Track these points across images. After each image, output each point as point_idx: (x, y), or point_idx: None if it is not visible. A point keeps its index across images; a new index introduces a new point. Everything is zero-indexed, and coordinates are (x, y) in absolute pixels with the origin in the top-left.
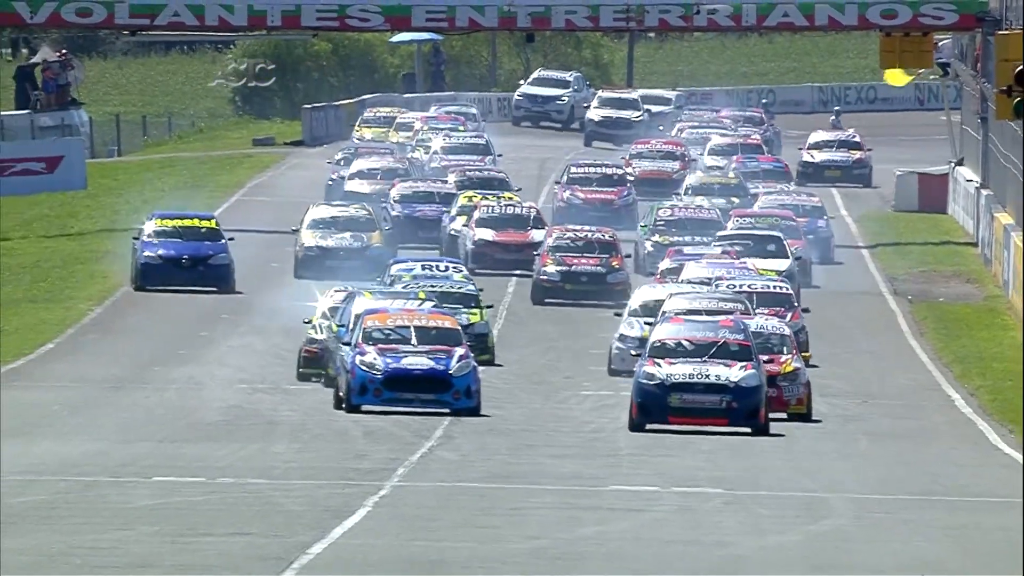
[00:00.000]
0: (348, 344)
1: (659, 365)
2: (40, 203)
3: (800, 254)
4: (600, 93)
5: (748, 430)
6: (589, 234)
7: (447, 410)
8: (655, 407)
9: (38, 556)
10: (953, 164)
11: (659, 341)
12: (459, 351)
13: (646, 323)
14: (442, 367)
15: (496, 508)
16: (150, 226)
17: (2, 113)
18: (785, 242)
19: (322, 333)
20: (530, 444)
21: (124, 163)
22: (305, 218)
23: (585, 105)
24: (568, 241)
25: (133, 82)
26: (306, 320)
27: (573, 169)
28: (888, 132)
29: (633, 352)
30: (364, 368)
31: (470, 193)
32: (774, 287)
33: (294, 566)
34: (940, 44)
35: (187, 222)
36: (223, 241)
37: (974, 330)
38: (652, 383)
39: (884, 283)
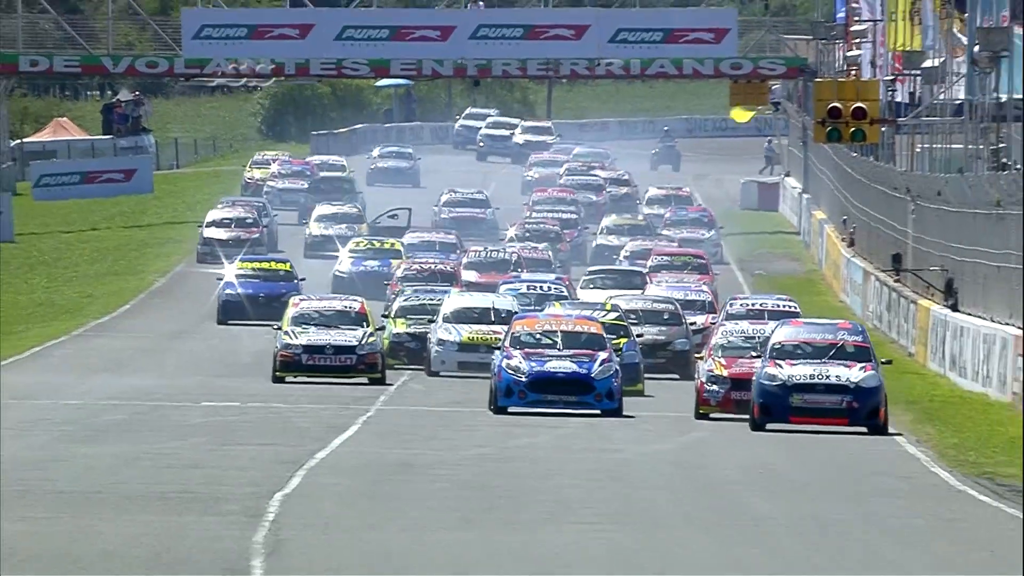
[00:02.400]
0: (498, 348)
1: (780, 366)
2: (119, 203)
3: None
4: (522, 123)
5: (865, 430)
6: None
7: (593, 411)
8: (777, 407)
9: (118, 460)
10: (783, 176)
11: (779, 343)
12: (602, 355)
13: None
14: (584, 370)
15: (453, 425)
16: (231, 269)
17: (93, 137)
18: (647, 275)
19: (296, 338)
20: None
21: (181, 174)
22: (313, 213)
23: (510, 133)
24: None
25: (187, 115)
26: (276, 327)
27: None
28: (736, 153)
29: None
30: (510, 371)
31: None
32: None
33: (304, 467)
34: (773, 88)
35: (266, 265)
36: (295, 282)
37: (798, 293)
38: (774, 384)
39: (734, 262)
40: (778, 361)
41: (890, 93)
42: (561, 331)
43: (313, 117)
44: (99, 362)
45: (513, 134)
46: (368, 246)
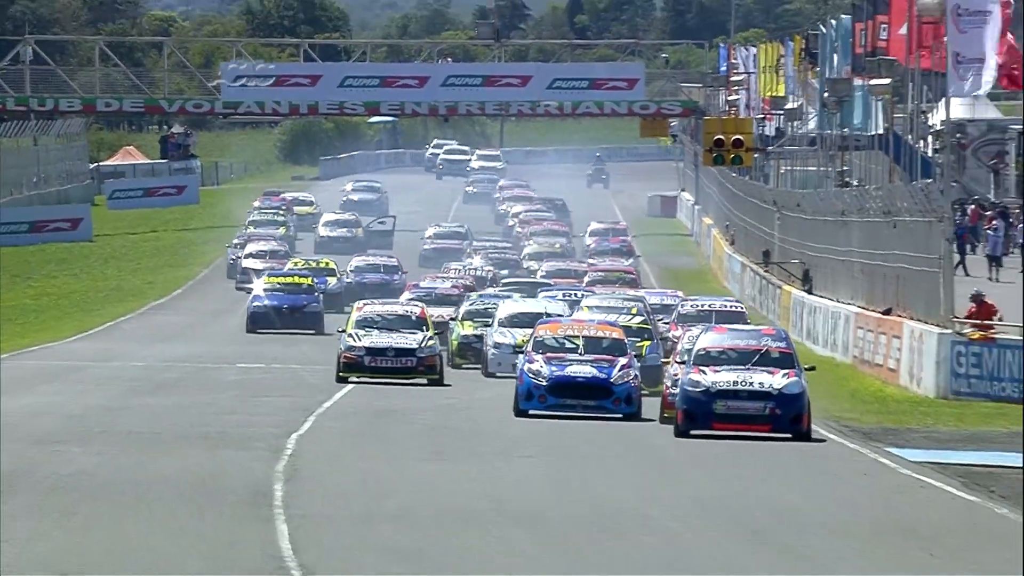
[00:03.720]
0: (521, 352)
1: (704, 372)
2: (173, 212)
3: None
4: (478, 151)
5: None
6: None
7: (613, 415)
8: (700, 414)
9: (172, 408)
10: (680, 190)
11: (703, 349)
12: (622, 360)
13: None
14: (604, 375)
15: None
16: (259, 284)
17: (153, 161)
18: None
19: (359, 341)
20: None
21: (220, 189)
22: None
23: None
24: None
25: (224, 144)
26: (340, 329)
27: None
28: (645, 173)
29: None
30: (531, 375)
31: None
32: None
33: (315, 413)
34: (672, 124)
35: (290, 279)
36: (316, 294)
37: (692, 282)
38: (697, 390)
39: (643, 257)
40: (702, 367)
41: (761, 128)
42: (583, 336)
43: (320, 146)
44: (157, 333)
45: (469, 159)
46: (283, 281)
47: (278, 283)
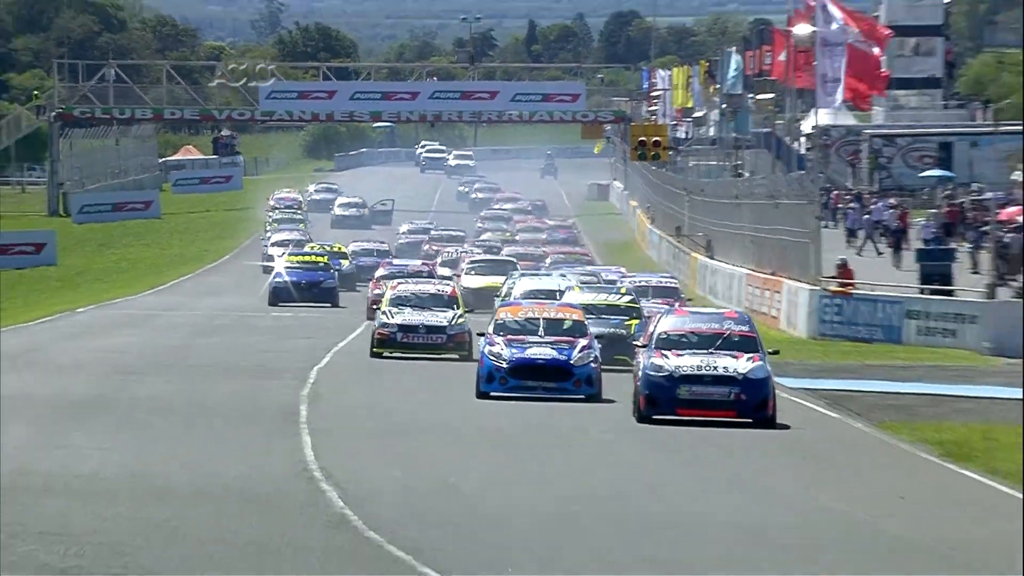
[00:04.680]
0: (482, 335)
1: (666, 357)
2: (223, 196)
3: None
4: (455, 151)
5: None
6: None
7: (571, 397)
8: (663, 399)
9: (220, 347)
10: (612, 180)
11: (664, 333)
12: (582, 342)
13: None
14: (564, 357)
15: None
16: (281, 262)
17: (207, 157)
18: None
19: (392, 318)
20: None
21: (258, 179)
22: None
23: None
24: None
25: (261, 144)
26: (375, 306)
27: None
28: (588, 167)
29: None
30: (492, 357)
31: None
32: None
33: (331, 351)
34: (607, 129)
35: (308, 258)
36: (332, 271)
37: (621, 251)
38: (660, 375)
39: (584, 233)
40: (664, 351)
41: (674, 132)
42: (543, 318)
43: (336, 145)
44: (210, 290)
45: (447, 157)
46: (302, 259)
47: (297, 262)
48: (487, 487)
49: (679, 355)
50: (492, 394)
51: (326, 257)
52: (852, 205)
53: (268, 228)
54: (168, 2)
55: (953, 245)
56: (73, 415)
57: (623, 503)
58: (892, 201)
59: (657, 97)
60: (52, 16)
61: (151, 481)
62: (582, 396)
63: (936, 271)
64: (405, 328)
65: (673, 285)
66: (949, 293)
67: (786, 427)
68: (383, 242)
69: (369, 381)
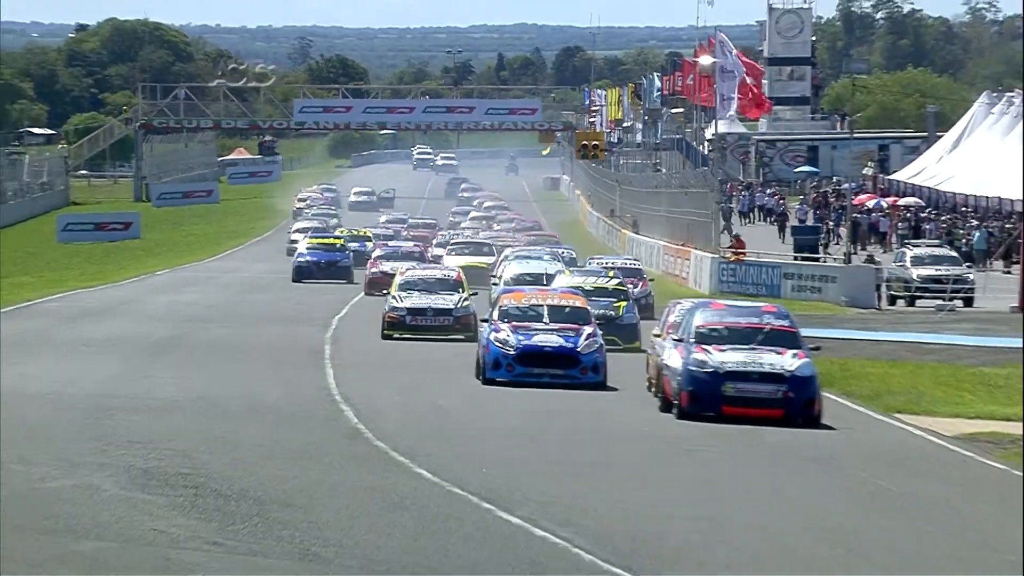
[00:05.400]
0: (486, 321)
1: (709, 352)
2: (265, 186)
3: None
4: (442, 153)
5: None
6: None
7: (579, 383)
8: (709, 396)
9: (265, 303)
10: (562, 174)
11: (702, 327)
12: (587, 329)
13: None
14: (570, 344)
15: None
16: (302, 242)
17: (254, 156)
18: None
19: (401, 302)
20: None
21: (293, 173)
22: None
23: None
24: None
25: (294, 147)
26: (385, 291)
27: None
28: (542, 164)
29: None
30: (498, 344)
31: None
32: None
33: (349, 303)
34: (558, 135)
35: (326, 240)
36: (347, 252)
37: (569, 228)
38: (704, 371)
39: (541, 215)
40: (705, 346)
41: (609, 137)
42: (547, 305)
43: (351, 147)
44: (257, 257)
45: (434, 158)
46: (320, 241)
47: (317, 243)
48: (468, 409)
49: (721, 350)
50: (498, 380)
51: (342, 240)
52: (743, 193)
53: (294, 217)
54: (224, 39)
55: (819, 224)
56: (154, 353)
57: (574, 420)
58: (772, 190)
59: (596, 111)
60: (137, 50)
61: (213, 402)
62: (588, 383)
63: (806, 243)
64: (414, 311)
65: (636, 267)
66: (815, 259)
67: (829, 427)
68: (388, 228)
69: (377, 328)
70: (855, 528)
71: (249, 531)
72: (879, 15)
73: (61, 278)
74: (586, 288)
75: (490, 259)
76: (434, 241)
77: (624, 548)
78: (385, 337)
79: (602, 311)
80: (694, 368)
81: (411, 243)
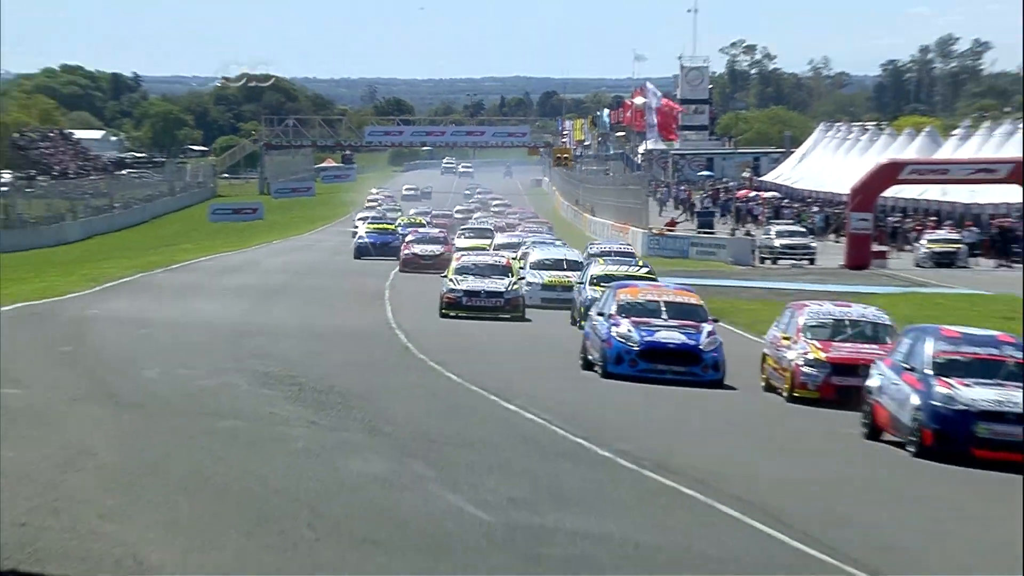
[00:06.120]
0: (601, 315)
1: (954, 387)
2: (345, 184)
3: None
4: (462, 163)
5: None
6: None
7: (698, 381)
8: (958, 436)
9: (343, 264)
10: (544, 177)
11: (938, 357)
12: (707, 327)
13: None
14: (693, 342)
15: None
16: (362, 227)
17: (337, 165)
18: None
19: (458, 285)
20: None
21: (365, 175)
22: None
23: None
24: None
25: (366, 159)
26: (443, 275)
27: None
28: (528, 170)
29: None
30: (621, 340)
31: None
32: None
33: (393, 272)
34: (541, 150)
35: (381, 225)
36: (398, 236)
37: (550, 215)
38: (952, 408)
39: (531, 205)
40: (947, 380)
41: (575, 152)
42: (663, 301)
43: (403, 158)
44: (339, 232)
45: (457, 167)
46: (377, 226)
47: (374, 228)
48: (489, 334)
49: (967, 385)
50: (620, 374)
51: (395, 225)
52: (663, 189)
53: (360, 210)
54: (318, 86)
55: (715, 210)
56: (272, 295)
57: (571, 343)
58: (684, 187)
59: (566, 135)
60: (261, 93)
61: (311, 329)
62: (709, 380)
63: (705, 222)
64: (469, 293)
65: (630, 251)
66: (711, 233)
67: None
68: (435, 219)
69: (423, 280)
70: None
71: (335, 414)
72: (753, 71)
73: (211, 245)
74: (617, 275)
75: (490, 241)
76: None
77: (588, 424)
78: (443, 316)
79: None
80: (939, 403)
81: (436, 230)
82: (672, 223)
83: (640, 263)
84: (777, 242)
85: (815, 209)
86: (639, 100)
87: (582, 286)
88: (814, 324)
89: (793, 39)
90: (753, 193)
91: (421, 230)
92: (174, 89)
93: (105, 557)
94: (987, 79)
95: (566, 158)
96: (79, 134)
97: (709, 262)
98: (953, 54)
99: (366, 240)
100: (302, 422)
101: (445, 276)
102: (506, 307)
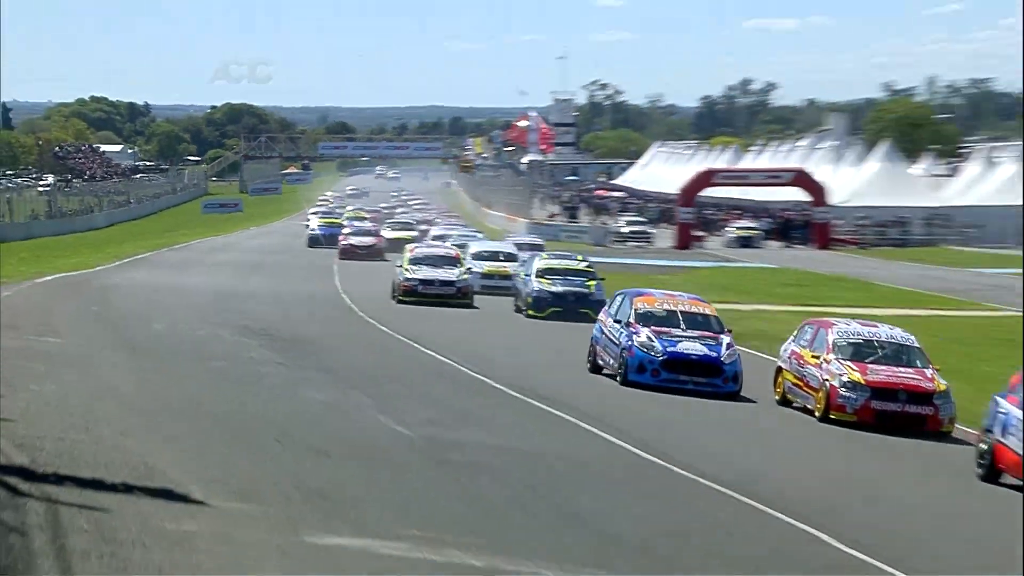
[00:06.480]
0: (619, 322)
1: None
2: (304, 186)
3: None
4: (391, 171)
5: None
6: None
7: (718, 393)
8: None
9: (303, 243)
10: (452, 180)
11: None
12: (725, 338)
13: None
14: (715, 354)
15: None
16: (314, 220)
17: (299, 171)
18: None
19: (414, 274)
20: None
21: (319, 179)
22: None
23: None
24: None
25: (320, 166)
26: (398, 265)
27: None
28: (441, 176)
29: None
30: (643, 349)
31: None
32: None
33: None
34: (450, 160)
35: (330, 219)
36: (344, 227)
37: (458, 209)
38: None
39: (443, 202)
40: None
41: (476, 162)
42: (680, 311)
43: (347, 166)
44: (285, 228)
45: (387, 173)
46: (326, 220)
47: (324, 222)
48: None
49: None
50: (640, 383)
51: (342, 219)
52: (542, 190)
53: (312, 207)
54: (284, 112)
55: (579, 205)
56: (247, 269)
57: (485, 304)
58: (557, 189)
59: (468, 149)
60: (240, 117)
61: (278, 294)
62: (728, 392)
63: (573, 213)
64: (425, 282)
65: (540, 242)
66: (576, 221)
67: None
68: (369, 214)
69: (360, 262)
70: None
71: (297, 357)
72: (606, 102)
73: (203, 231)
74: (560, 268)
75: (413, 232)
76: (384, 223)
77: (483, 364)
78: (400, 302)
79: (577, 288)
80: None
81: (370, 223)
82: (552, 215)
83: (580, 258)
84: (625, 229)
85: (652, 205)
86: (523, 123)
87: (528, 278)
88: (843, 343)
89: (636, 78)
90: (607, 193)
91: (356, 223)
92: (176, 114)
93: (123, 464)
94: (773, 110)
95: (468, 166)
96: (104, 148)
97: (575, 244)
98: (751, 92)
99: (317, 232)
100: (272, 363)
101: (400, 266)
102: (457, 295)
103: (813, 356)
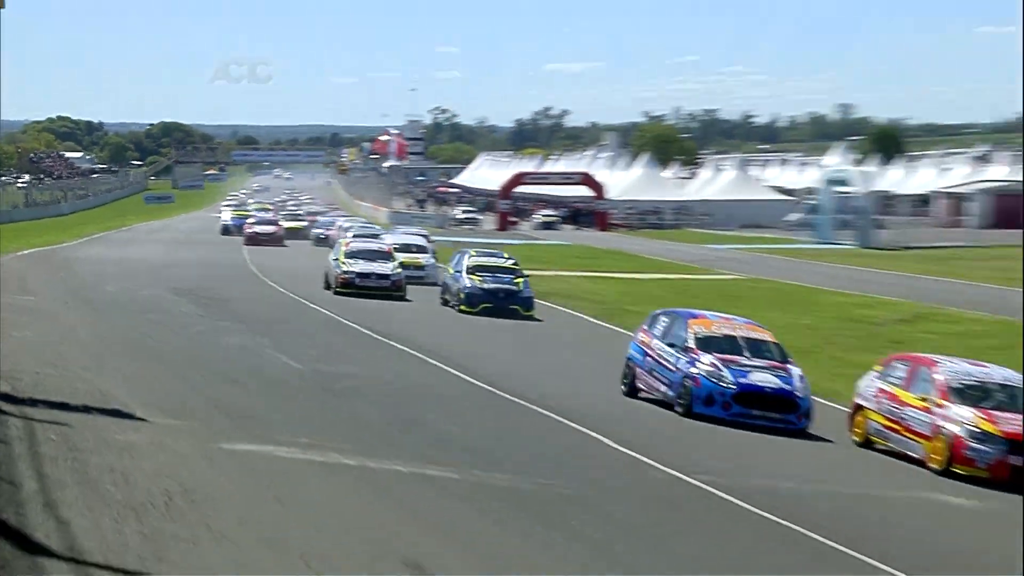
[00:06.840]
0: (673, 345)
1: None
2: (221, 184)
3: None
4: (286, 173)
5: None
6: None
7: (790, 429)
8: None
9: (215, 232)
10: (333, 181)
11: None
12: (795, 369)
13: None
14: (789, 387)
15: None
16: (226, 212)
17: (217, 172)
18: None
19: (351, 268)
20: None
21: (233, 179)
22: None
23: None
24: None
25: (232, 169)
26: (333, 258)
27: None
28: (324, 177)
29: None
30: (712, 380)
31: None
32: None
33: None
34: (331, 164)
35: (240, 211)
36: (244, 221)
37: (340, 204)
38: None
39: (325, 199)
40: None
41: (350, 167)
42: (741, 336)
43: (255, 169)
44: (206, 215)
45: (283, 174)
46: (237, 212)
47: (236, 214)
48: (305, 269)
49: None
50: (707, 416)
51: (249, 211)
52: (399, 188)
53: (224, 201)
54: (206, 128)
55: (425, 198)
56: (178, 245)
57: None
58: (410, 186)
59: (344, 156)
60: (173, 132)
61: (202, 263)
62: (800, 429)
63: (421, 205)
64: (362, 275)
65: (423, 234)
66: (424, 210)
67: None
68: (268, 209)
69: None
70: None
71: (217, 311)
72: (447, 122)
73: (144, 217)
74: (489, 266)
75: (304, 223)
76: (280, 216)
77: (363, 317)
78: (337, 293)
79: (508, 285)
80: None
81: (270, 215)
82: (409, 206)
83: (506, 255)
84: (460, 216)
85: (479, 198)
86: (385, 137)
87: (459, 275)
88: (959, 387)
89: (467, 106)
90: (447, 189)
91: (260, 214)
92: (123, 129)
93: (83, 391)
94: (567, 129)
95: (344, 169)
96: (68, 155)
97: (425, 225)
98: (551, 115)
99: (229, 223)
100: (197, 316)
101: (335, 259)
102: (391, 287)
103: (919, 399)
